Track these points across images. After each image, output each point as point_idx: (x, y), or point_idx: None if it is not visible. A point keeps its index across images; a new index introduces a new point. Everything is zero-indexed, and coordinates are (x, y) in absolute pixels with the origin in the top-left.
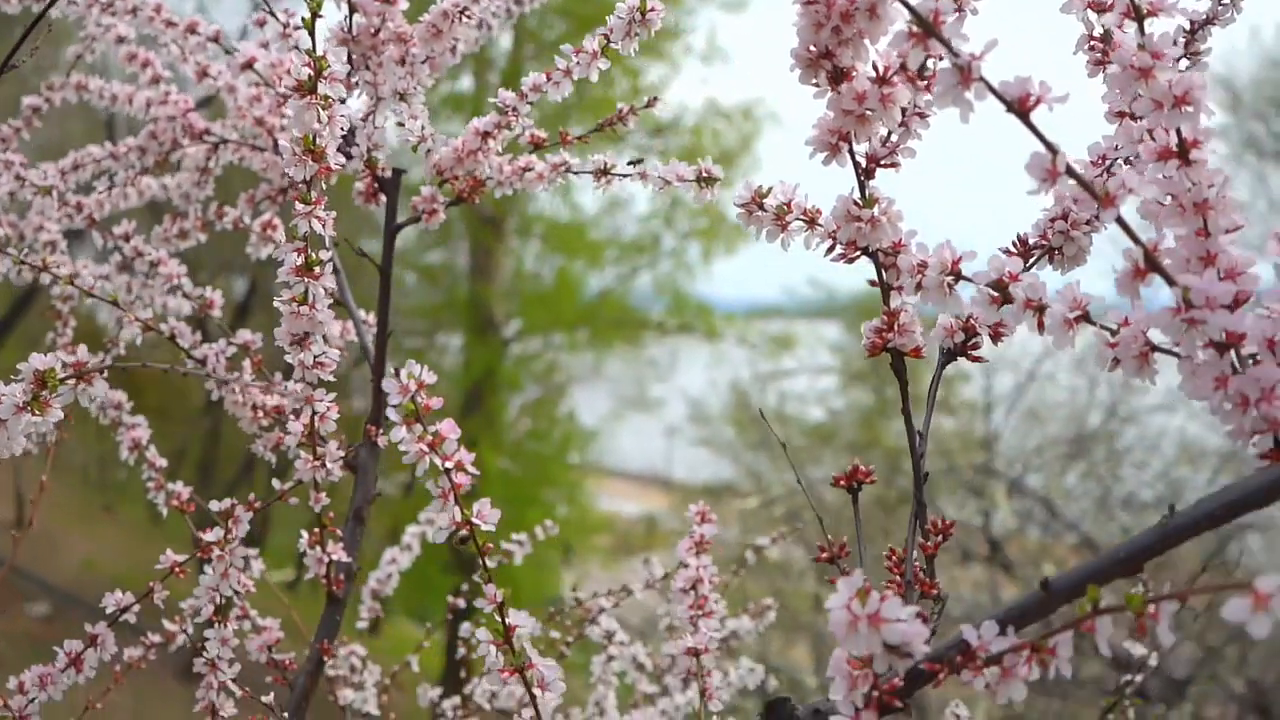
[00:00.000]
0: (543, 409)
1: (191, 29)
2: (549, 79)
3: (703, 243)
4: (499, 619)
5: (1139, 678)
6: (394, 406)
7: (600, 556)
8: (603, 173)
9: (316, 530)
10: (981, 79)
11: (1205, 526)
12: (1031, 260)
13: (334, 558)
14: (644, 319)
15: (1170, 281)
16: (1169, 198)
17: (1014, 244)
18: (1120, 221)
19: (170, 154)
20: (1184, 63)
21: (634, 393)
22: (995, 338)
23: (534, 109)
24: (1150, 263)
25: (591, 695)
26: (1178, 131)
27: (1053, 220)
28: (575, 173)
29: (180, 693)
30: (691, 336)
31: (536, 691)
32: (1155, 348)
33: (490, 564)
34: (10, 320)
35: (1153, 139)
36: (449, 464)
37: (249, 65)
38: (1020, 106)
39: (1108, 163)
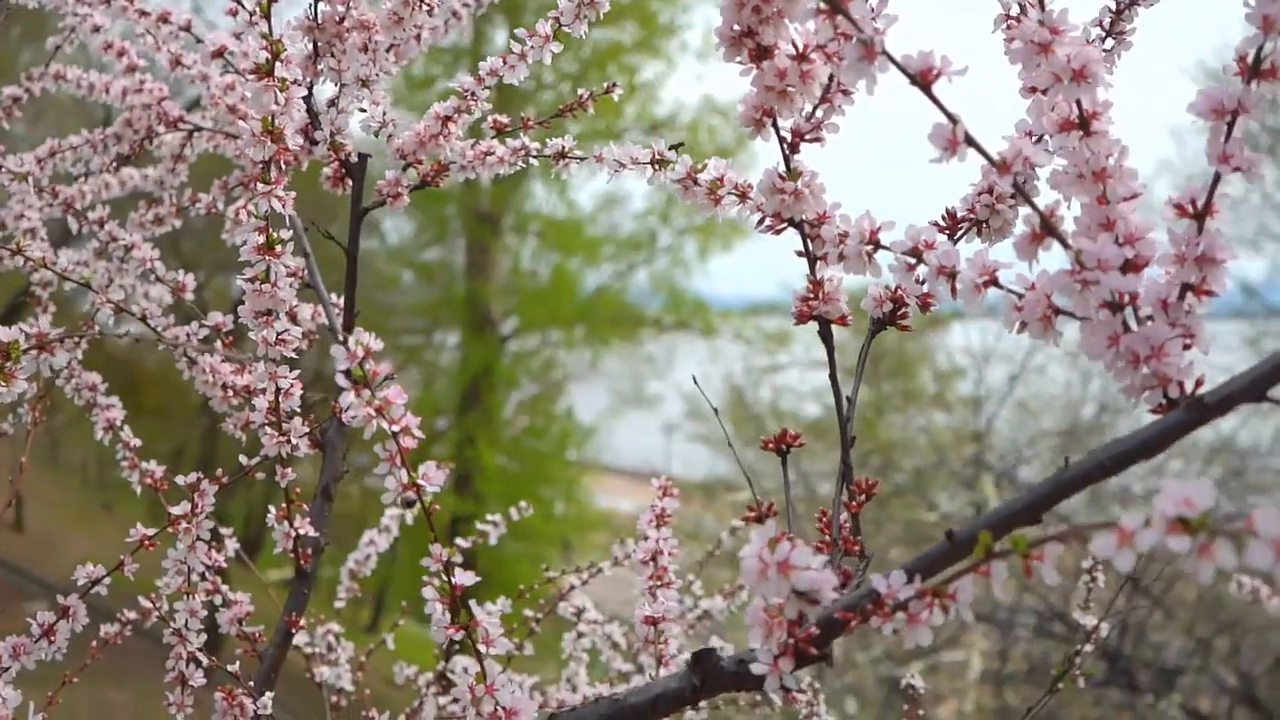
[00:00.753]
0: (540, 406)
1: (164, 19)
2: (504, 62)
3: (699, 239)
4: (445, 579)
5: (1087, 648)
6: (342, 372)
7: (598, 553)
8: (560, 156)
9: (284, 505)
10: (884, 53)
11: (1098, 476)
12: (959, 233)
13: (301, 532)
14: (641, 316)
15: (1065, 245)
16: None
17: (942, 217)
18: (1017, 188)
19: (146, 141)
20: (1109, 42)
21: (631, 389)
22: (924, 307)
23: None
24: (1047, 227)
25: (564, 671)
26: (1078, 103)
27: (979, 194)
28: (534, 156)
29: None
30: (688, 333)
31: (481, 647)
32: (1059, 310)
33: (464, 542)
34: (8, 319)
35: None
36: (396, 428)
37: (219, 54)
38: (923, 79)
39: (1033, 139)
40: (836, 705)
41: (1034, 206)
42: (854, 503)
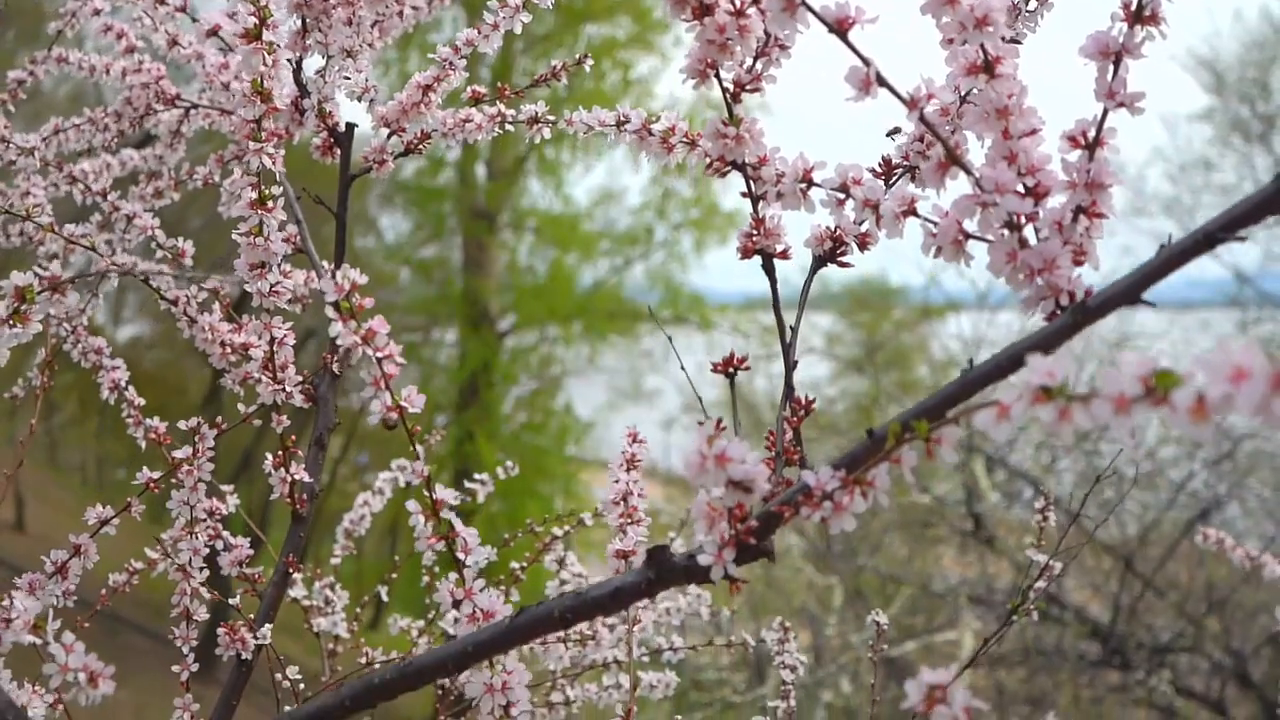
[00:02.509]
0: (538, 401)
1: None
2: (479, 32)
3: (695, 234)
4: (427, 493)
5: (1042, 584)
6: (330, 304)
7: (596, 549)
8: (534, 120)
9: (279, 453)
10: (803, 4)
11: (997, 376)
12: (894, 178)
13: (296, 478)
14: (638, 310)
15: (967, 171)
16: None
17: (879, 163)
18: (925, 123)
19: (144, 119)
20: (1033, 3)
21: (629, 384)
22: (862, 246)
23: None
24: (951, 157)
25: None
26: (982, 48)
27: (913, 142)
28: (510, 123)
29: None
30: (686, 327)
31: (460, 555)
32: (969, 235)
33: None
34: None
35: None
36: (380, 354)
37: (213, 33)
38: (840, 27)
39: (959, 90)
40: (832, 686)
41: (941, 139)
42: (795, 418)
